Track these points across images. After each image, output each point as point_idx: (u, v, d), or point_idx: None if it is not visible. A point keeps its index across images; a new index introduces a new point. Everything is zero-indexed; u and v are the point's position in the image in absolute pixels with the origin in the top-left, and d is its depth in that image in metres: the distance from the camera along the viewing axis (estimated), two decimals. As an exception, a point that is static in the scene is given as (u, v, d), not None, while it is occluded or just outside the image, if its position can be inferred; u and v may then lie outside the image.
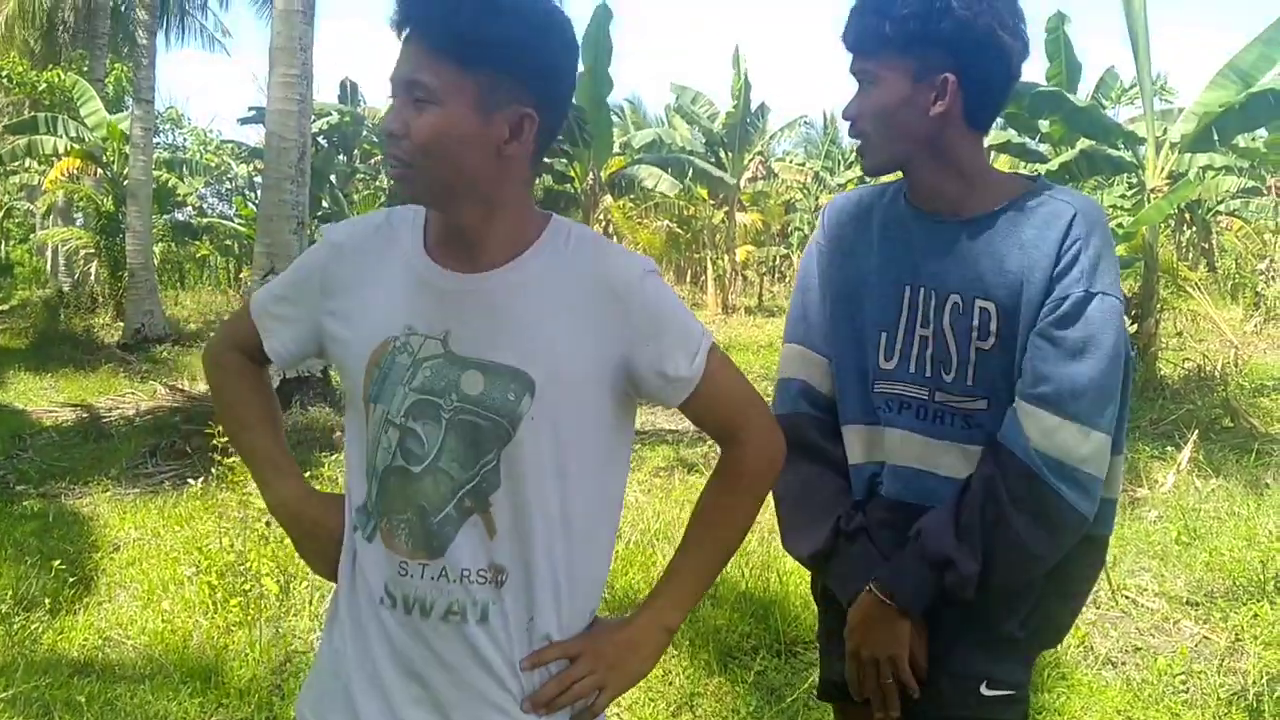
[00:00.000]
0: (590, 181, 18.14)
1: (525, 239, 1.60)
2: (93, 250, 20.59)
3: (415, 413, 1.57)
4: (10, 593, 4.93)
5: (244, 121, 25.86)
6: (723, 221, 28.68)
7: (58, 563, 5.34)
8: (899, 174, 2.01)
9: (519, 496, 1.58)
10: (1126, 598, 5.38)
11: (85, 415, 10.28)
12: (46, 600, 5.03)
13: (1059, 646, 4.57)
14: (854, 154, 30.71)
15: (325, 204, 22.90)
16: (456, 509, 1.58)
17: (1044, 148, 13.73)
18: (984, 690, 1.88)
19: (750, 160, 28.42)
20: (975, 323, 1.86)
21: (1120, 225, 12.34)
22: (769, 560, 5.47)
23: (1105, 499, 1.88)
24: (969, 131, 1.90)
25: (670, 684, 4.25)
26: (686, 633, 4.62)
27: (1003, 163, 19.79)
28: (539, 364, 1.56)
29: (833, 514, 1.99)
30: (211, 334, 1.86)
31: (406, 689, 1.61)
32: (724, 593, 5.08)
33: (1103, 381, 1.78)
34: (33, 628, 4.73)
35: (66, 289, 22.67)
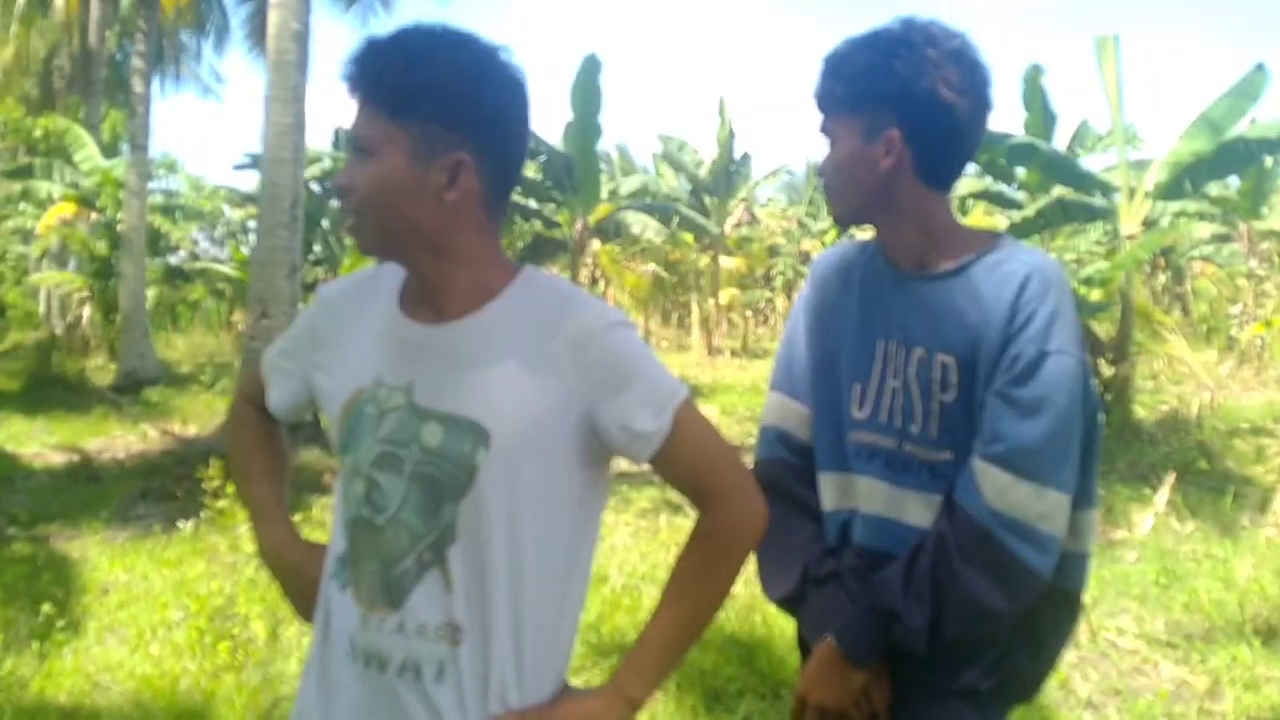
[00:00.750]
0: (579, 227, 18.25)
1: (490, 288, 1.60)
2: (86, 294, 20.61)
3: (380, 464, 1.58)
4: (1, 636, 4.95)
5: (239, 168, 26.01)
6: (708, 266, 28.85)
7: (47, 606, 5.36)
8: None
9: (476, 550, 1.56)
10: (1106, 639, 5.43)
11: (76, 458, 10.30)
12: (35, 644, 5.05)
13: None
14: (835, 202, 30.94)
15: (317, 249, 22.98)
16: (416, 562, 1.57)
17: (1021, 195, 13.93)
18: None
19: (735, 206, 28.68)
20: (938, 375, 1.91)
21: (1096, 271, 12.50)
22: (754, 602, 5.51)
23: (1075, 554, 1.92)
24: (923, 187, 1.95)
25: (655, 727, 4.29)
26: (673, 676, 4.66)
27: (979, 209, 20.08)
28: (496, 415, 1.54)
29: (802, 560, 2.04)
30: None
31: None
32: (710, 635, 5.12)
33: (1058, 440, 1.82)
34: (21, 672, 4.74)
35: (59, 332, 22.63)
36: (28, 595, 5.74)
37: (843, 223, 2.05)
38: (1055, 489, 1.82)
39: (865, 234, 2.20)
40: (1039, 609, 1.90)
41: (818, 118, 2.02)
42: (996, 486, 1.81)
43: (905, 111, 1.89)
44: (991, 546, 1.81)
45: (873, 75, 1.90)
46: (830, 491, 2.06)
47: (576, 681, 4.65)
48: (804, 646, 2.13)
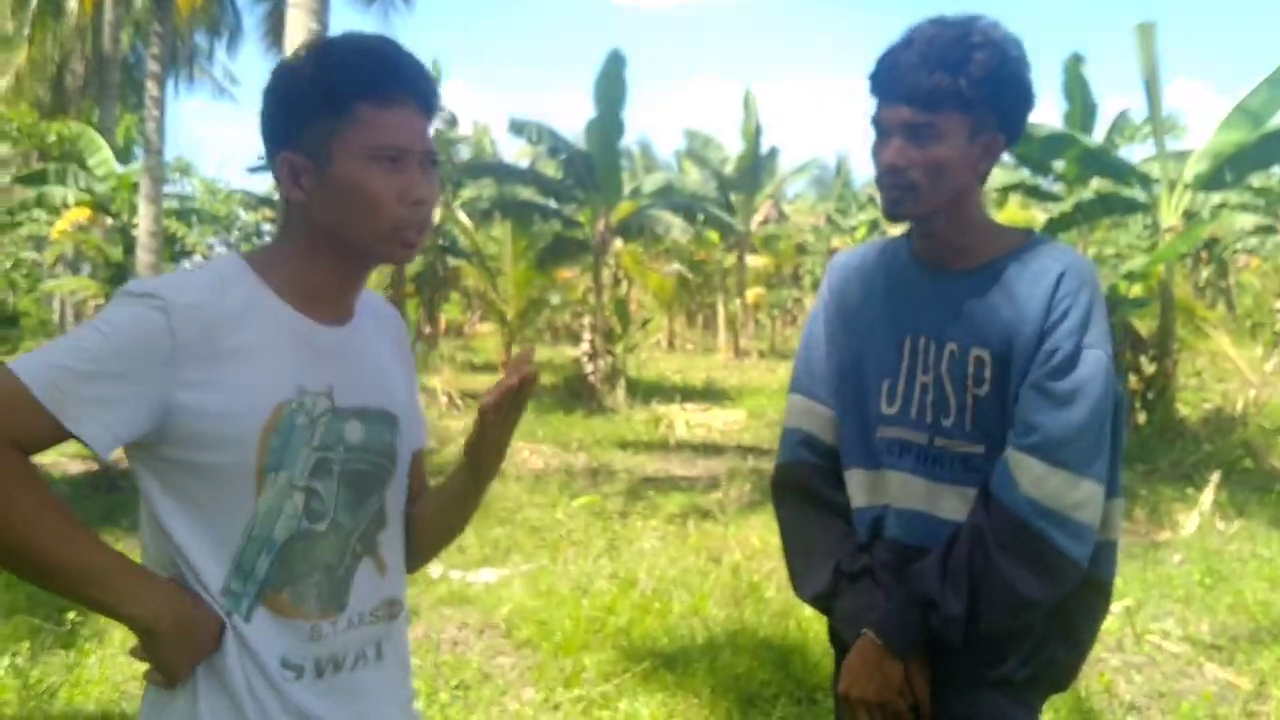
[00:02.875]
0: (600, 227, 18.16)
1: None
2: (101, 300, 20.69)
3: (316, 472, 1.55)
4: (27, 645, 4.90)
5: (253, 170, 26.09)
6: (734, 265, 28.78)
7: (72, 615, 5.31)
8: (899, 228, 2.08)
9: (397, 528, 1.68)
10: (1150, 642, 5.31)
11: (95, 467, 10.27)
12: (62, 652, 5.01)
13: (1082, 690, 4.53)
14: (866, 197, 30.89)
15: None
16: (350, 557, 1.59)
17: (1058, 187, 13.77)
18: None
19: (762, 203, 28.55)
20: (971, 370, 1.93)
21: (1136, 266, 12.33)
22: (787, 607, 5.42)
23: (1104, 543, 1.94)
24: (979, 186, 1.99)
25: (690, 734, 4.19)
26: (707, 680, 4.57)
27: (1015, 203, 19.89)
28: (396, 401, 1.67)
29: (834, 556, 2.05)
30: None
31: None
32: (743, 640, 5.03)
33: (1092, 431, 1.85)
34: (50, 680, 4.69)
35: (77, 339, 22.79)
36: (52, 604, 5.67)
37: (913, 219, 1.98)
38: (1090, 478, 1.84)
39: (896, 230, 2.17)
40: (1071, 599, 1.92)
41: (888, 105, 1.92)
42: (1032, 476, 1.84)
43: (1009, 118, 1.93)
44: (1028, 536, 1.84)
45: (998, 78, 1.88)
46: (860, 488, 2.07)
47: (607, 689, 4.58)
48: (838, 643, 2.12)
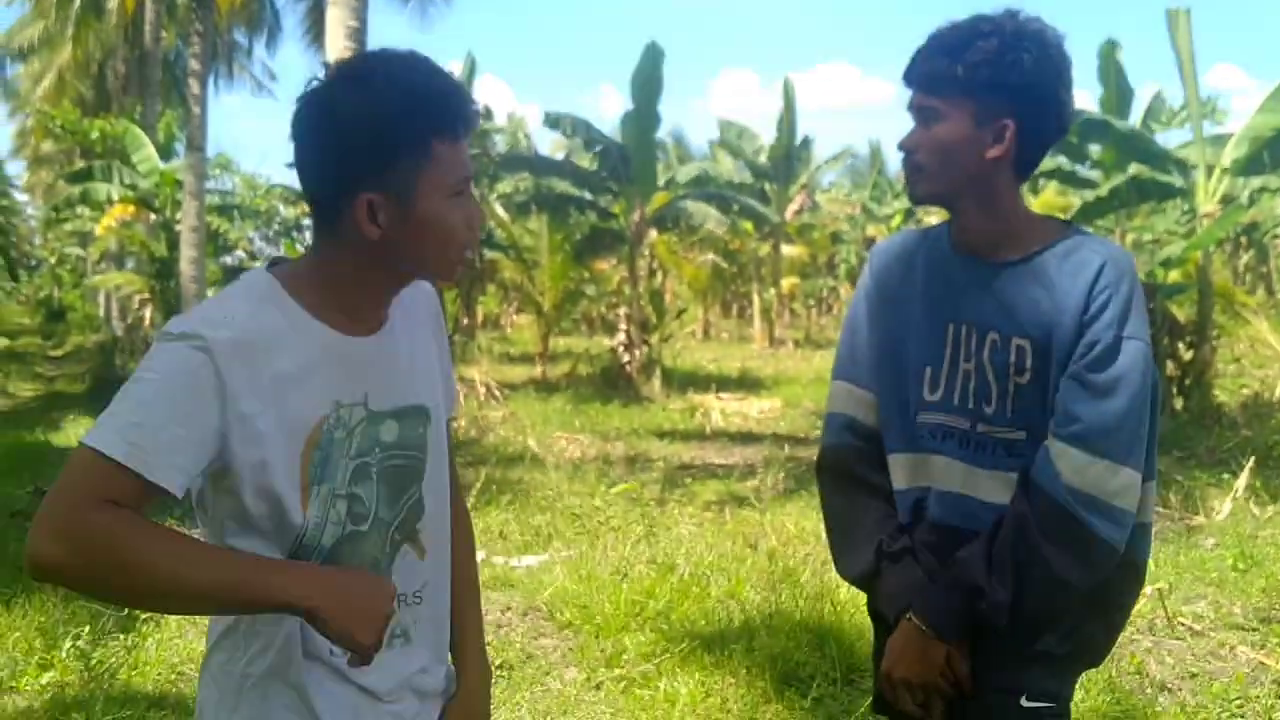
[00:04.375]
0: (636, 218, 18.27)
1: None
2: (146, 295, 21.02)
3: (355, 478, 1.62)
4: (87, 629, 5.08)
5: (291, 165, 26.26)
6: (768, 254, 28.78)
7: (131, 599, 5.49)
8: (940, 216, 2.12)
9: (436, 513, 1.75)
10: (1182, 624, 5.37)
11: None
12: (121, 636, 5.19)
13: (1113, 671, 4.61)
14: (901, 185, 30.78)
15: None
16: (390, 546, 1.68)
17: (1094, 174, 13.71)
18: (1024, 702, 1.97)
19: (796, 193, 28.52)
20: (1013, 359, 1.98)
21: (1174, 253, 12.26)
22: (823, 591, 5.53)
23: (1139, 525, 1.99)
24: (1014, 177, 2.01)
25: (728, 711, 4.31)
26: (743, 661, 4.69)
27: (1051, 190, 19.77)
28: (429, 395, 1.74)
29: (876, 537, 2.11)
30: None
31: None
32: (779, 622, 5.14)
33: (1131, 420, 1.89)
34: (110, 662, 4.87)
35: (120, 334, 23.14)
36: (109, 589, 5.87)
37: (923, 201, 2.06)
38: (1129, 466, 1.89)
39: (932, 219, 2.22)
40: (1108, 580, 1.97)
41: (906, 95, 2.03)
42: (1073, 465, 1.89)
43: (1024, 105, 1.94)
44: (1070, 523, 1.89)
45: (999, 64, 1.91)
46: (902, 471, 2.12)
47: (647, 669, 4.69)
48: (878, 620, 2.19)
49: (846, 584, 5.55)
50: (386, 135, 1.50)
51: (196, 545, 1.53)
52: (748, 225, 25.66)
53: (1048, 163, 13.58)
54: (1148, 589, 5.43)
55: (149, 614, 5.44)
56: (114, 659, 4.92)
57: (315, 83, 1.56)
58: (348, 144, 1.51)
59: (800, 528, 7.16)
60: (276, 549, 1.57)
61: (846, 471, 2.19)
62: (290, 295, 1.58)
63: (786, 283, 29.29)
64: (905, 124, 2.05)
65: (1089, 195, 12.65)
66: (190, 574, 1.45)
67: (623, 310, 18.61)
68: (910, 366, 2.09)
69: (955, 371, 2.03)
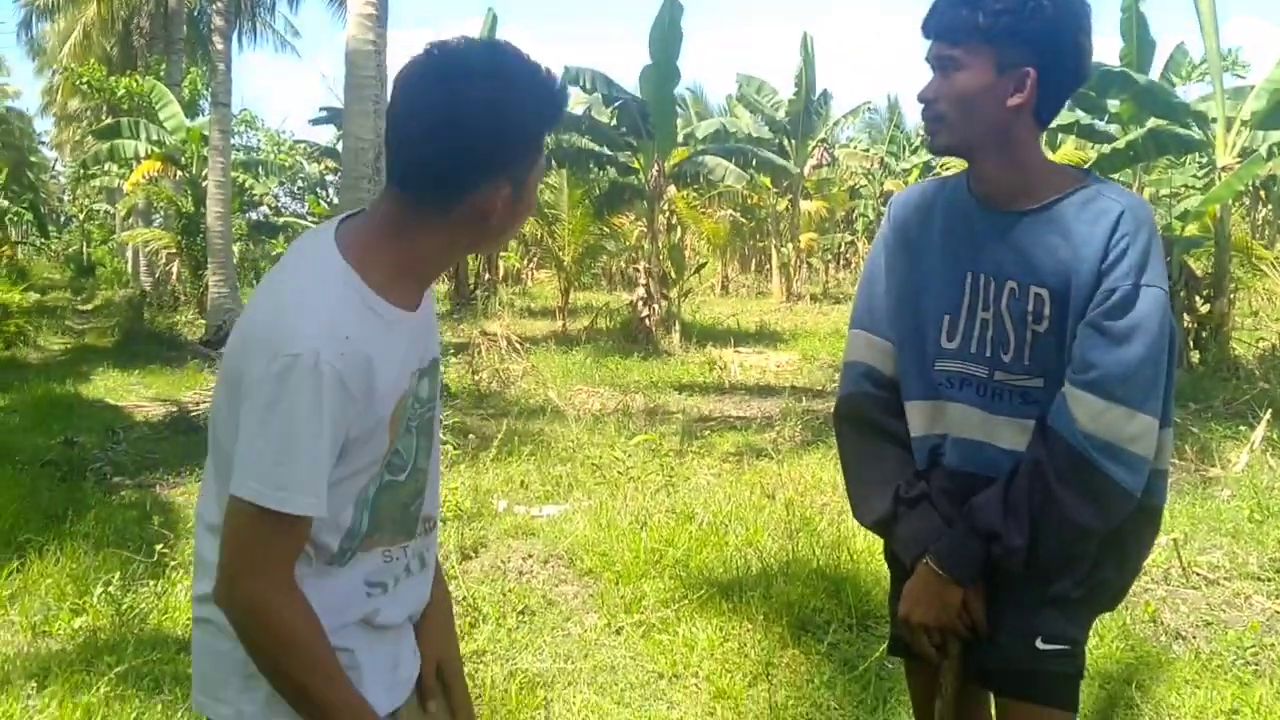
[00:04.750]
0: (655, 173, 18.23)
1: None
2: (173, 250, 21.17)
3: (402, 436, 1.73)
4: (118, 575, 5.19)
5: (315, 122, 26.41)
6: (786, 209, 28.67)
7: (160, 546, 5.61)
8: (960, 165, 2.14)
9: (436, 450, 1.87)
10: (1198, 574, 5.41)
11: (174, 409, 10.64)
12: (151, 582, 5.30)
13: (1128, 618, 4.67)
14: (919, 139, 30.54)
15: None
16: (419, 490, 1.80)
17: (1112, 128, 13.61)
18: (1039, 644, 2.01)
19: (814, 148, 28.36)
20: (1030, 307, 2.00)
21: (1191, 206, 12.18)
22: (840, 540, 5.60)
23: (1156, 471, 2.01)
24: (1035, 126, 2.03)
25: (746, 656, 4.39)
26: (760, 607, 4.77)
27: (1069, 145, 19.60)
28: (437, 346, 1.85)
29: (893, 483, 2.14)
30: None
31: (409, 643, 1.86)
32: (796, 570, 5.22)
33: (1149, 367, 1.91)
34: (140, 607, 4.99)
35: (148, 288, 23.31)
36: (140, 537, 6.00)
37: (943, 152, 2.09)
38: (1145, 413, 1.92)
39: (950, 170, 2.24)
40: (1124, 525, 1.99)
41: (924, 46, 2.04)
42: (1090, 411, 1.91)
43: (1046, 54, 1.95)
44: (1086, 469, 1.91)
45: (1020, 12, 1.92)
46: (920, 419, 2.15)
47: (666, 614, 4.76)
48: (895, 564, 2.24)
49: (863, 532, 5.66)
50: (521, 131, 1.61)
51: (336, 665, 1.65)
52: (766, 180, 25.56)
53: (1065, 116, 13.49)
54: (1163, 539, 5.48)
55: (178, 562, 5.56)
56: (144, 604, 5.03)
57: (427, 67, 1.60)
58: (484, 137, 1.58)
59: (817, 478, 7.22)
60: (340, 512, 1.66)
61: (864, 419, 2.22)
62: (363, 279, 1.62)
63: (804, 238, 29.19)
64: (923, 73, 2.06)
65: (1106, 149, 12.55)
66: (319, 690, 1.61)
67: (642, 265, 18.62)
68: (928, 315, 2.11)
69: (973, 320, 2.06)
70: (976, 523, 1.99)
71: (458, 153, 1.57)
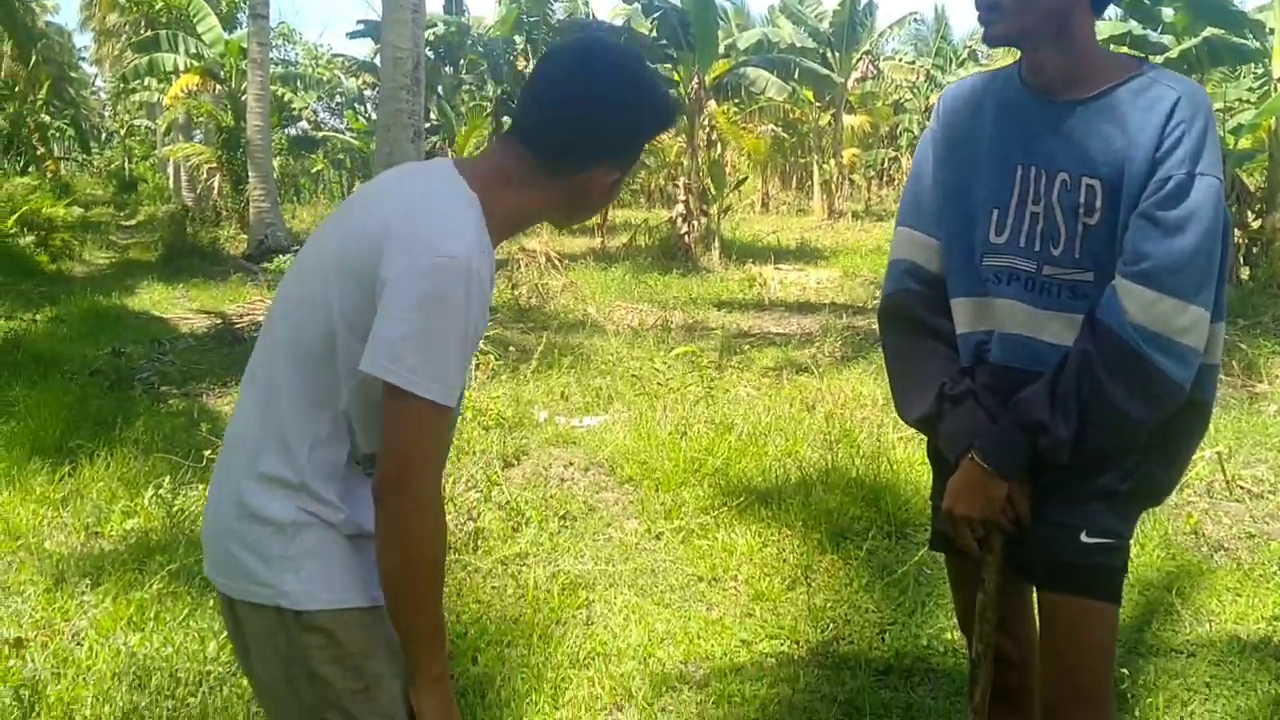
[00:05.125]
0: (695, 86, 17.97)
1: None
2: (214, 165, 21.23)
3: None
4: (168, 479, 5.29)
5: (353, 36, 26.18)
6: (829, 124, 28.25)
7: (208, 453, 5.70)
8: (1012, 58, 2.10)
9: None
10: (1241, 487, 5.38)
11: (218, 322, 10.78)
12: (200, 486, 5.40)
13: (1169, 529, 4.66)
14: (966, 51, 29.96)
15: (434, 117, 23.14)
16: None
17: (1166, 38, 13.26)
18: (1084, 538, 2.00)
19: (858, 60, 27.81)
20: (1082, 199, 1.96)
21: (1245, 120, 11.87)
22: (879, 451, 5.60)
23: (1206, 365, 1.98)
24: (1089, 13, 1.98)
25: (784, 561, 4.43)
26: (800, 514, 4.80)
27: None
28: None
29: (938, 380, 2.12)
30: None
31: None
32: (835, 479, 5.23)
33: (1202, 258, 1.88)
34: (190, 509, 5.09)
35: (190, 204, 23.45)
36: (188, 444, 6.10)
37: (999, 42, 2.03)
38: (1197, 304, 1.89)
39: (997, 65, 2.19)
40: (1171, 419, 1.97)
41: None
42: (1140, 302, 1.88)
43: None
44: (1135, 360, 1.89)
45: None
46: (965, 315, 2.12)
47: (705, 521, 4.79)
48: (939, 462, 2.22)
49: (903, 443, 5.66)
50: (643, 134, 1.83)
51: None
52: (808, 94, 25.14)
53: (1118, 26, 13.15)
54: (1207, 452, 5.45)
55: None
56: (194, 506, 5.13)
57: (580, 49, 1.81)
58: (617, 127, 1.78)
59: (857, 392, 7.20)
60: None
61: (908, 316, 2.19)
62: (486, 217, 1.72)
63: (847, 154, 28.78)
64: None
65: (1159, 59, 12.23)
66: (438, 594, 1.70)
67: (681, 181, 18.46)
68: (977, 209, 2.08)
69: (1022, 213, 2.03)
70: (1022, 416, 1.97)
71: (594, 132, 1.75)
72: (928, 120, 2.26)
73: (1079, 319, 1.98)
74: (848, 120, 28.61)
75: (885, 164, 32.76)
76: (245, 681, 3.41)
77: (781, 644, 3.78)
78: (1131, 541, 2.13)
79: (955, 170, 2.13)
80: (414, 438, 1.62)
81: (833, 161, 27.86)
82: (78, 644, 3.72)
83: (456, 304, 1.62)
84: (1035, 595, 2.15)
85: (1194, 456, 2.19)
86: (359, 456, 1.75)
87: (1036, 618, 2.15)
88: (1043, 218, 2.00)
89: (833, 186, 28.01)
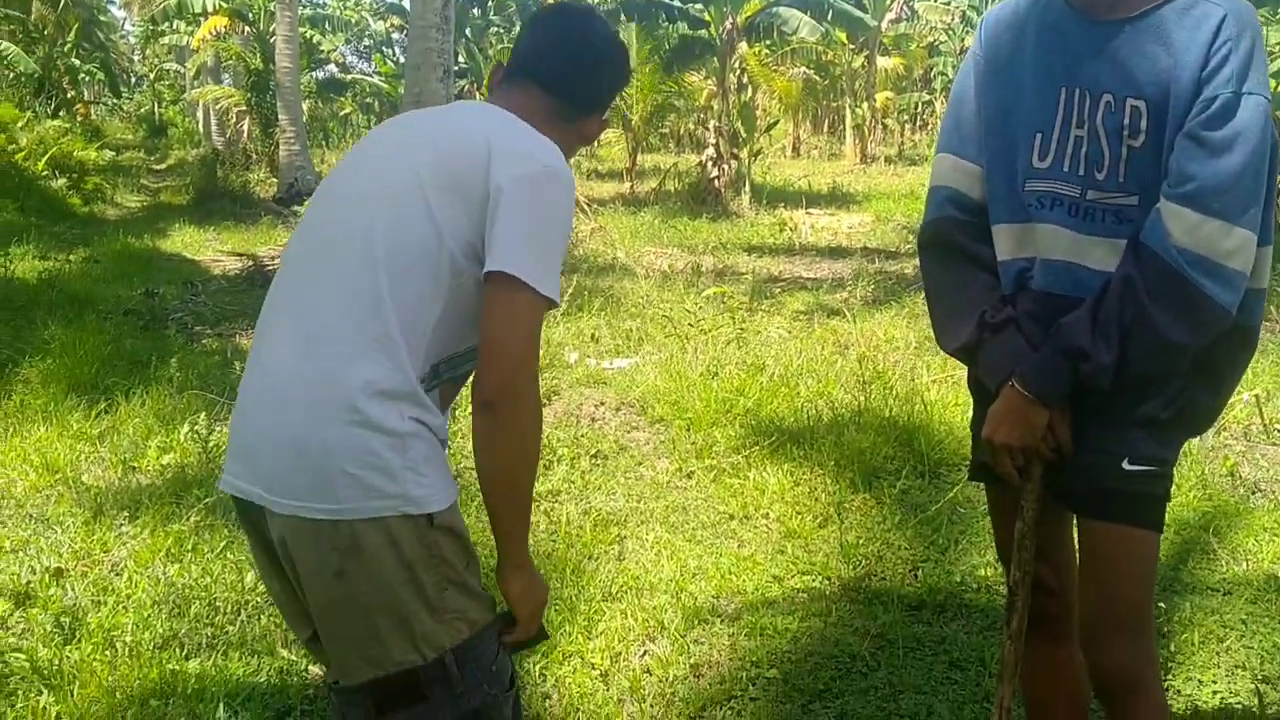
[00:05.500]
0: (727, 27, 17.75)
1: None
2: (243, 108, 21.21)
3: None
4: (203, 415, 5.33)
5: None
6: (862, 67, 27.90)
7: (242, 390, 5.75)
8: None
9: None
10: (1279, 430, 5.33)
11: (250, 263, 10.81)
12: (235, 423, 5.44)
13: (1205, 470, 4.62)
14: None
15: (462, 59, 23.00)
16: None
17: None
18: (1126, 465, 1.97)
19: (892, 1, 27.38)
20: (1126, 121, 1.92)
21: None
22: (913, 392, 5.56)
23: (1253, 290, 1.95)
24: None
25: (816, 499, 4.43)
26: (832, 454, 4.78)
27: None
28: None
29: (979, 308, 2.09)
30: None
31: None
32: (868, 420, 5.21)
33: (1248, 178, 1.83)
34: (225, 445, 5.12)
35: (220, 147, 23.47)
36: (222, 382, 6.16)
37: None
38: (1243, 226, 1.85)
39: None
40: (1216, 344, 1.94)
41: None
42: (1185, 225, 1.84)
43: None
44: (1180, 284, 1.85)
45: None
46: (1007, 242, 2.09)
47: (737, 460, 4.79)
48: (979, 390, 2.19)
49: (936, 384, 5.62)
50: (620, 89, 2.14)
51: None
52: (841, 35, 24.79)
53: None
54: (1244, 394, 5.39)
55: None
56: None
57: (580, 12, 2.08)
58: (618, 80, 2.10)
59: (890, 335, 7.16)
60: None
61: (949, 244, 2.16)
62: None
63: (880, 97, 28.42)
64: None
65: None
66: (531, 485, 1.84)
67: (712, 125, 18.31)
68: (1019, 134, 2.04)
69: (1066, 137, 1.99)
70: (1064, 342, 1.95)
71: (601, 85, 2.05)
72: (974, 35, 2.21)
73: (1123, 244, 1.94)
74: (881, 63, 28.22)
75: (919, 108, 32.36)
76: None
77: (813, 580, 3.79)
78: (1174, 470, 2.10)
79: (997, 94, 2.09)
80: (527, 336, 1.73)
81: (865, 105, 27.55)
82: (116, 574, 3.78)
83: (564, 211, 1.81)
84: (1075, 523, 2.13)
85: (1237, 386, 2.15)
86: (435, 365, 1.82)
87: (1076, 546, 2.13)
88: (1086, 141, 1.96)
89: (865, 130, 27.72)
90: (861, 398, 5.55)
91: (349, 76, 27.22)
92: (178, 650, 3.24)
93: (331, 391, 1.72)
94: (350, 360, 1.73)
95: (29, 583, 3.63)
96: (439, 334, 1.78)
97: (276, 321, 1.86)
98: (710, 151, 17.85)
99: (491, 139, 1.79)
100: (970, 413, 2.31)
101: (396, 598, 1.73)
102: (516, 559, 1.83)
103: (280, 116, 16.99)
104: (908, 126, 32.78)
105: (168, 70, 36.22)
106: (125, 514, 4.30)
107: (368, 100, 28.97)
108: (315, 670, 3.14)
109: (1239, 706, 2.97)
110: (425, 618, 1.75)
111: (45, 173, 15.78)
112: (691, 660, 3.23)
